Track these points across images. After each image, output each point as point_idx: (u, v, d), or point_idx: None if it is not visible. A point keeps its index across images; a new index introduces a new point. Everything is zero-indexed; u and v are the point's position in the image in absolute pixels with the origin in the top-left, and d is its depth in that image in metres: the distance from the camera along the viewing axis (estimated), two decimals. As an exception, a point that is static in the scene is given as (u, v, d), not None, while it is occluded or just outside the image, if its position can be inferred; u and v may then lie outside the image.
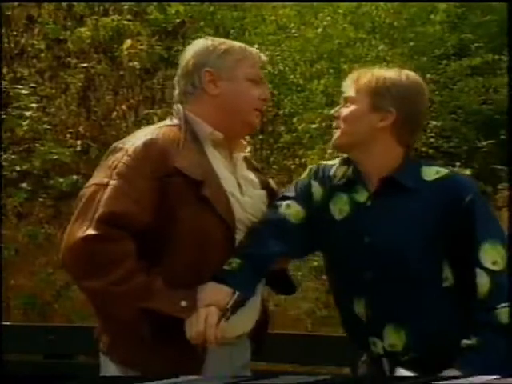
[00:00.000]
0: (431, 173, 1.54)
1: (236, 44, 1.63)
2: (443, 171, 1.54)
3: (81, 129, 5.14)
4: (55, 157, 4.73)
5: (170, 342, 1.45)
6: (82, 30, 5.49)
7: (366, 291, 1.53)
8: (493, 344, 1.43)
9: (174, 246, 1.47)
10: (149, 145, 1.49)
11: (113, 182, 1.45)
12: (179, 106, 1.59)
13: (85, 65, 5.34)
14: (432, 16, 5.00)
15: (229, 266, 1.51)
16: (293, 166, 4.72)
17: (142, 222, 1.45)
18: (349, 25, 5.06)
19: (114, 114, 5.24)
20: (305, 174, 1.67)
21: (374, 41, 4.95)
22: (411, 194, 1.52)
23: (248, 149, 1.68)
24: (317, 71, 5.01)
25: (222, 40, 1.64)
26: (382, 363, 1.54)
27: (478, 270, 1.46)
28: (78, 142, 5.04)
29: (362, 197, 1.56)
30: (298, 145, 4.82)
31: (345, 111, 1.57)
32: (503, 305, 1.44)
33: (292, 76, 5.03)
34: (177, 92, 1.62)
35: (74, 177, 4.75)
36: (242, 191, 1.57)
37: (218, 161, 1.56)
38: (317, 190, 1.62)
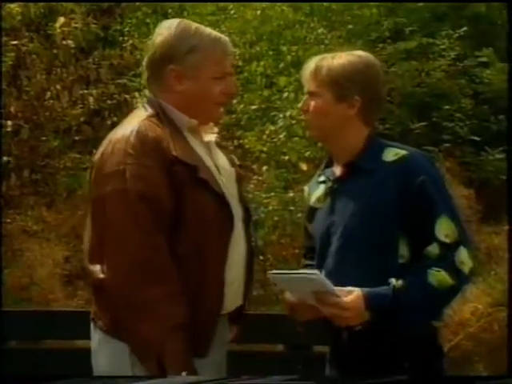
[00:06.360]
0: (391, 154, 1.61)
1: (205, 37, 1.60)
2: (402, 152, 1.61)
3: (12, 109, 4.95)
4: (-16, 138, 4.55)
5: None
6: (12, 6, 5.26)
7: (330, 268, 1.60)
8: (412, 288, 1.52)
9: (183, 231, 1.52)
10: (144, 140, 1.53)
11: (131, 185, 1.49)
12: (151, 95, 1.64)
13: (15, 42, 5.13)
14: (369, -1, 5.07)
15: None
16: (231, 148, 4.72)
17: (170, 212, 1.50)
18: (288, 7, 5.07)
19: (48, 94, 5.06)
20: None
21: (313, 23, 4.99)
22: (370, 175, 1.60)
23: (216, 129, 1.72)
24: (256, 53, 5.00)
25: (194, 28, 1.61)
26: (341, 333, 1.60)
27: (432, 243, 1.55)
28: (9, 123, 4.86)
29: (331, 182, 1.67)
30: (236, 126, 4.81)
31: (312, 105, 1.64)
32: (436, 269, 1.53)
33: (231, 57, 5.00)
34: (144, 76, 1.66)
35: (5, 158, 4.60)
36: (220, 172, 1.64)
37: (197, 146, 1.62)
38: (305, 194, 1.78)
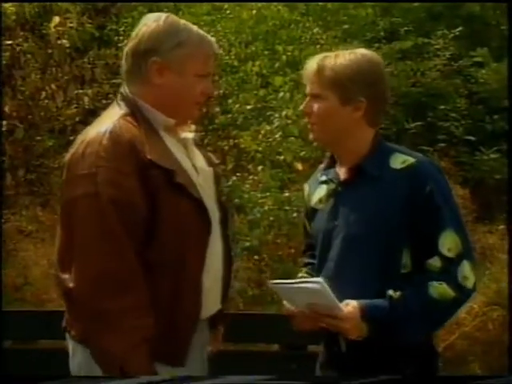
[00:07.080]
0: (398, 161, 1.56)
1: (193, 34, 1.57)
2: (410, 160, 1.56)
3: (6, 109, 4.93)
4: (-21, 137, 4.54)
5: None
6: (6, 5, 5.24)
7: (330, 273, 1.58)
8: (408, 300, 1.50)
9: (158, 238, 1.47)
10: (117, 141, 1.46)
11: (102, 190, 1.43)
12: (126, 90, 1.57)
13: (10, 42, 5.10)
14: (364, -1, 5.08)
15: None
16: (226, 148, 4.72)
17: (143, 218, 1.45)
18: (283, 6, 5.08)
19: (43, 93, 5.05)
20: None
21: (308, 23, 5.00)
22: (377, 182, 1.56)
23: (193, 127, 1.67)
24: (251, 52, 5.01)
25: (182, 23, 1.57)
26: (338, 340, 1.57)
27: (434, 255, 1.52)
28: (4, 123, 4.84)
29: (334, 184, 1.63)
30: (232, 126, 4.81)
31: (316, 108, 1.58)
32: (438, 282, 1.51)
33: (227, 57, 5.00)
34: (123, 68, 1.58)
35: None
36: (198, 172, 1.59)
37: (173, 146, 1.57)
38: (306, 193, 1.74)
